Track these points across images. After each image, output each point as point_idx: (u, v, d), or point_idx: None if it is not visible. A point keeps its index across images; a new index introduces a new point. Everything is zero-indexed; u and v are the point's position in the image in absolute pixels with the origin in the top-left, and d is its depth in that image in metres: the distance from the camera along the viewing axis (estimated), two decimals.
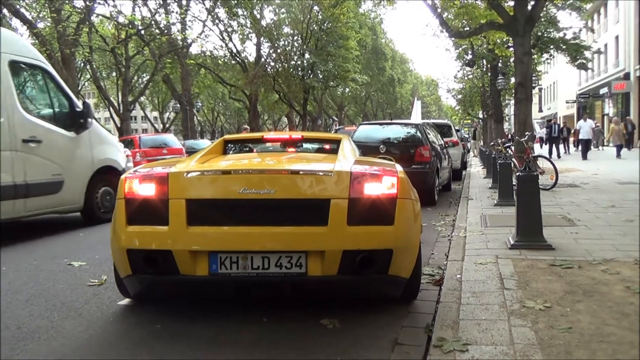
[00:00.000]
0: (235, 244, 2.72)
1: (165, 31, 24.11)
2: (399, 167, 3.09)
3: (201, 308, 3.19)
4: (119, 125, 26.78)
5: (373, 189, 2.78)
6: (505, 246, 4.42)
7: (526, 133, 9.94)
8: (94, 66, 27.67)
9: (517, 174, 4.41)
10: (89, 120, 6.71)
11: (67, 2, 19.95)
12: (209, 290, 2.97)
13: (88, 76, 31.15)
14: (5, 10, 21.31)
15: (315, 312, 3.03)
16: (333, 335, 2.74)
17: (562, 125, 23.34)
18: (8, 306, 3.36)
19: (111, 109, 27.95)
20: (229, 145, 4.27)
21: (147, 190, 2.81)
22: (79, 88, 32.04)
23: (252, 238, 2.71)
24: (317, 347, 2.60)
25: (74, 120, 6.54)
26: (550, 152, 20.42)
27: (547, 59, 25.37)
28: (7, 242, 5.73)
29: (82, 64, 29.53)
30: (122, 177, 2.93)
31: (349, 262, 2.71)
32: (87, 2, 20.86)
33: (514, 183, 7.87)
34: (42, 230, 6.67)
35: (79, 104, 6.78)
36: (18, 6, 19.49)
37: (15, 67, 5.94)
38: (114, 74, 30.88)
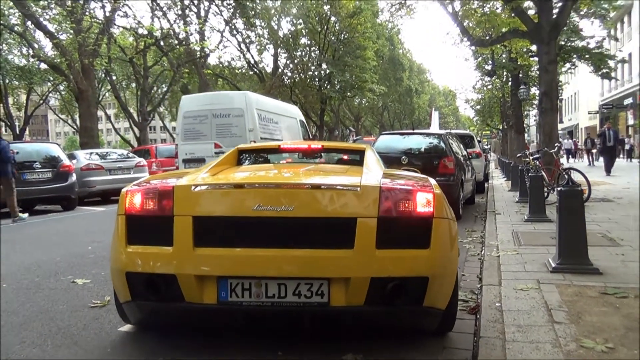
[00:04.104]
0: (247, 268, 2.38)
1: (184, 42, 24.14)
2: (433, 182, 2.73)
3: (208, 338, 2.86)
4: (138, 135, 26.86)
5: (406, 207, 2.42)
6: (545, 269, 4.00)
7: (555, 144, 9.48)
8: (114, 77, 27.91)
9: (559, 188, 4.00)
10: None
11: (86, 13, 20.11)
12: (217, 319, 2.64)
13: (109, 87, 31.36)
14: (29, 22, 21.64)
15: (337, 346, 2.67)
16: None
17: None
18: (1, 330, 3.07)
19: (130, 119, 28.05)
20: (243, 155, 3.95)
21: (150, 206, 2.50)
22: (100, 98, 32.45)
23: (267, 262, 2.36)
24: None
25: None
26: (607, 166, 16.29)
27: (569, 68, 24.80)
28: (11, 256, 5.49)
29: (103, 75, 29.81)
30: (123, 190, 2.63)
31: (378, 291, 2.35)
32: (107, 14, 21.03)
33: (545, 197, 7.48)
34: (49, 243, 6.44)
35: (308, 133, 14.50)
36: (41, 19, 19.68)
37: (299, 122, 13.81)
38: (133, 84, 31.10)
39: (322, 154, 4.34)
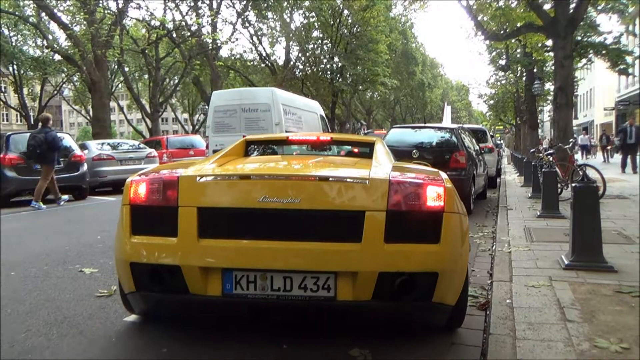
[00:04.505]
0: (253, 260, 2.33)
1: (196, 34, 24.14)
2: (444, 175, 2.67)
3: (214, 329, 2.83)
4: (150, 126, 26.99)
5: (415, 201, 2.36)
6: (558, 265, 3.92)
7: (570, 140, 9.31)
8: (126, 68, 28.03)
9: (574, 184, 3.91)
10: None
11: (99, 5, 20.18)
12: (222, 311, 2.60)
13: (122, 78, 31.52)
14: (43, 14, 21.79)
15: (343, 340, 2.62)
16: None
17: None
18: (7, 318, 3.07)
19: (142, 111, 28.18)
20: (251, 146, 3.90)
21: (154, 196, 2.46)
22: (112, 90, 32.64)
23: (273, 255, 2.32)
24: None
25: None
26: (624, 163, 15.78)
27: (585, 64, 24.40)
28: (22, 244, 5.52)
29: (115, 66, 29.97)
30: (128, 180, 2.60)
31: (385, 286, 2.29)
32: (120, 6, 21.08)
33: (559, 193, 7.35)
34: (59, 231, 6.47)
35: (327, 127, 14.71)
36: (55, 10, 19.80)
37: (320, 117, 14.04)
38: (146, 76, 31.21)
39: (332, 146, 4.29)
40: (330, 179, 2.46)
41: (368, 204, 2.34)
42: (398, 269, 2.29)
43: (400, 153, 7.20)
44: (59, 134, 10.07)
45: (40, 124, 9.90)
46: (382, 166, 2.78)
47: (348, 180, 2.46)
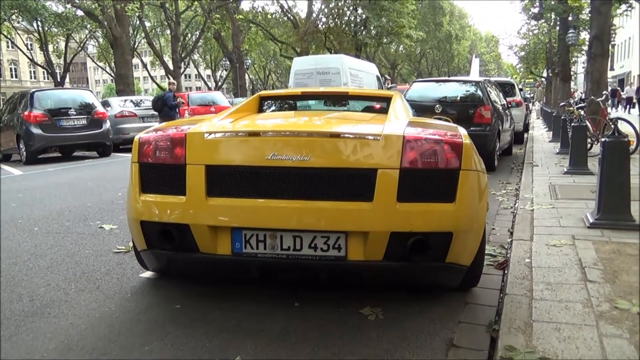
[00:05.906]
0: (262, 219, 2.29)
1: None
2: (462, 131, 2.53)
3: (226, 287, 2.84)
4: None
5: (431, 158, 2.25)
6: (582, 224, 3.78)
7: (603, 92, 8.87)
8: (147, 23, 27.77)
9: (603, 139, 3.71)
10: None
11: None
12: (233, 270, 2.60)
13: (144, 34, 31.31)
14: None
15: (355, 298, 2.60)
16: (375, 329, 2.31)
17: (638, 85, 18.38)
18: (28, 273, 3.15)
19: (164, 67, 28.09)
20: (265, 102, 3.80)
21: (162, 154, 2.41)
22: (135, 46, 32.56)
23: (282, 213, 2.27)
24: (355, 344, 2.18)
25: None
26: None
27: (625, 10, 22.98)
28: (46, 200, 5.65)
29: (137, 22, 29.70)
30: (136, 137, 2.55)
31: (398, 246, 2.23)
32: None
33: (588, 148, 7.07)
34: (83, 188, 6.59)
35: (382, 86, 16.04)
36: None
37: (376, 77, 16.00)
38: (167, 31, 30.93)
39: (348, 101, 4.15)
40: (342, 135, 2.37)
41: (381, 161, 2.25)
42: (411, 229, 2.21)
43: (423, 108, 7.00)
44: (86, 91, 11.84)
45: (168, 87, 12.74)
46: (397, 122, 2.66)
47: (360, 136, 2.36)
